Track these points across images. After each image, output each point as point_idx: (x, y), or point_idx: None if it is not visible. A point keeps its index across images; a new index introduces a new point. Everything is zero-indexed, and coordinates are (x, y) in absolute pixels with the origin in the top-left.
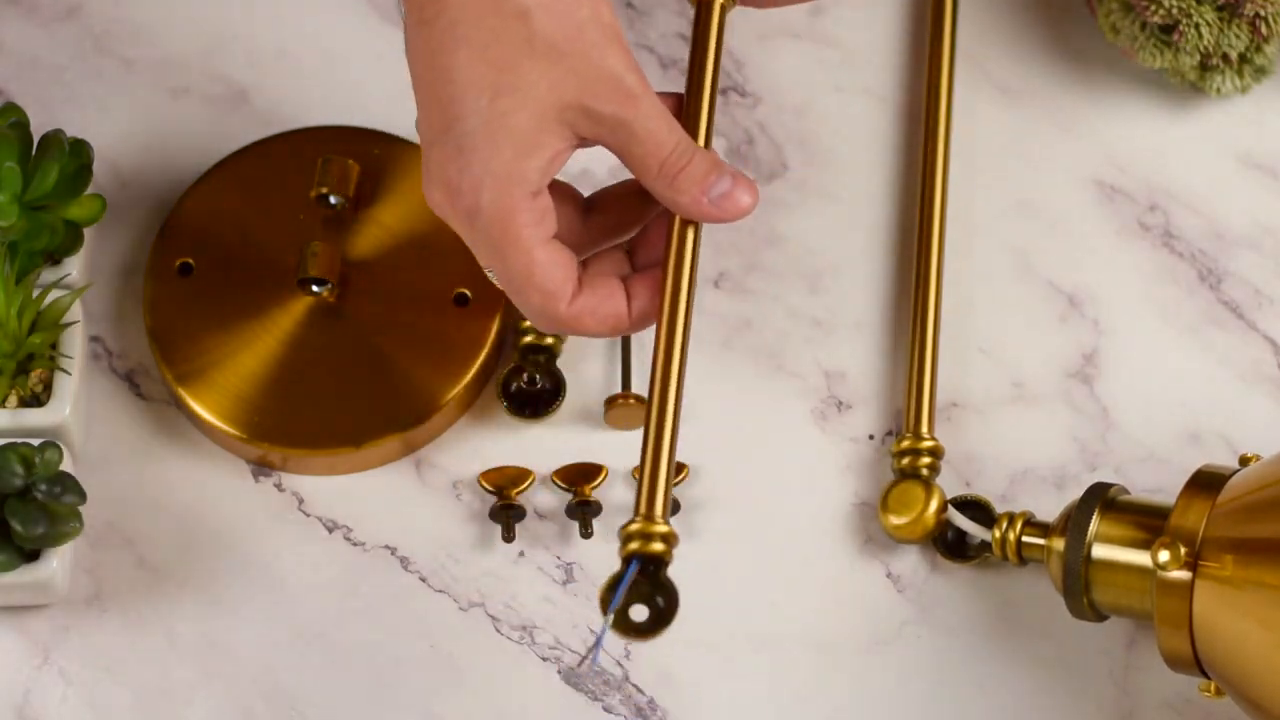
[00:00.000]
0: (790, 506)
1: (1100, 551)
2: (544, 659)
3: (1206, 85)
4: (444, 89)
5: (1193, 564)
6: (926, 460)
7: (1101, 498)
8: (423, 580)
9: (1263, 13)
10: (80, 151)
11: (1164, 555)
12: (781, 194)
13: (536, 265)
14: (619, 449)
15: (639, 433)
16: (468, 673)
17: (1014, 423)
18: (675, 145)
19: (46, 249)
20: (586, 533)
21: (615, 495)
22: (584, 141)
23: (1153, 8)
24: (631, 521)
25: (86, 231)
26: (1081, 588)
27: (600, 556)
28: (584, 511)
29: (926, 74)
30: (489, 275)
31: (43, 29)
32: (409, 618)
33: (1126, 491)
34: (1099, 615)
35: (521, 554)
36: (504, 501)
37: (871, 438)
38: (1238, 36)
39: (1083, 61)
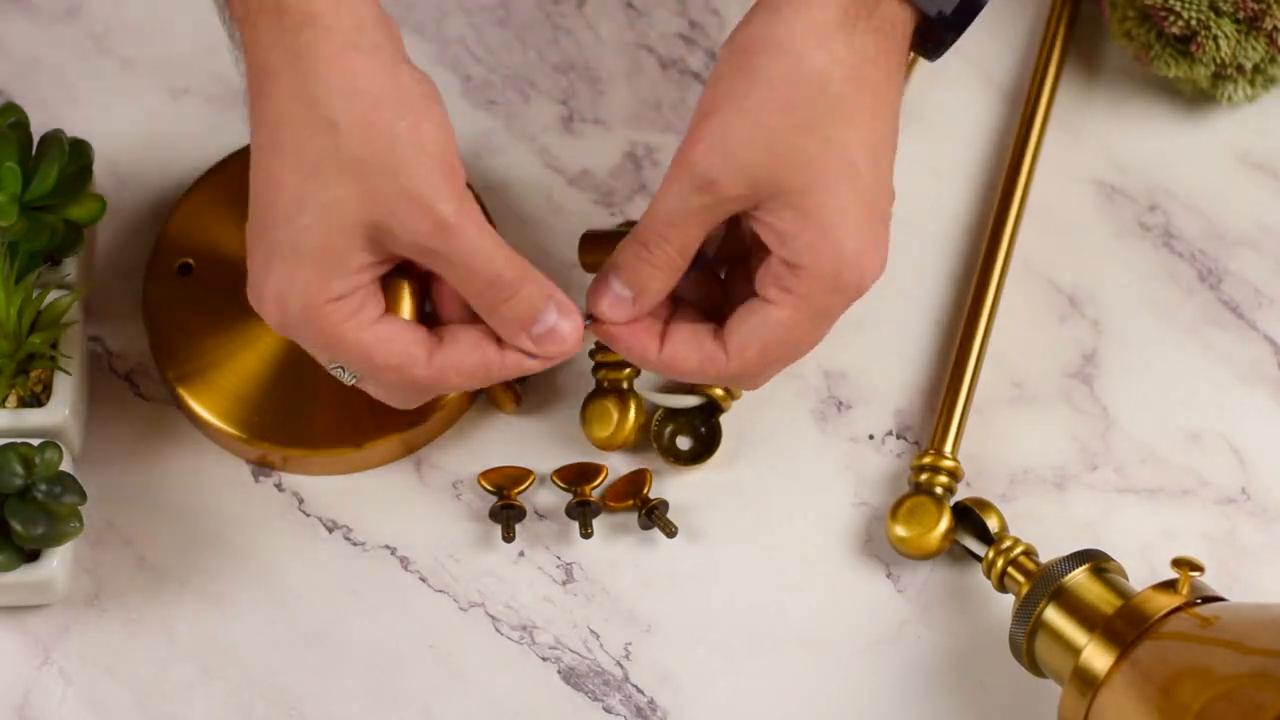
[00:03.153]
0: (790, 506)
1: (1050, 615)
2: (544, 659)
3: (1219, 93)
4: (263, 193)
5: (1110, 665)
6: (944, 479)
7: (1089, 563)
8: (423, 580)
9: None
10: (80, 151)
11: (1091, 647)
12: None
13: (372, 348)
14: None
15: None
16: (468, 673)
17: (1014, 423)
18: (494, 278)
19: (46, 249)
20: (586, 533)
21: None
22: (398, 257)
23: (1171, 18)
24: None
25: (86, 231)
26: (1024, 640)
27: (600, 556)
28: (584, 511)
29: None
30: (335, 373)
31: (43, 29)
32: (409, 618)
33: (1120, 571)
34: (1036, 670)
35: (521, 554)
36: (504, 501)
37: (871, 437)
38: (1254, 48)
39: (1083, 62)
